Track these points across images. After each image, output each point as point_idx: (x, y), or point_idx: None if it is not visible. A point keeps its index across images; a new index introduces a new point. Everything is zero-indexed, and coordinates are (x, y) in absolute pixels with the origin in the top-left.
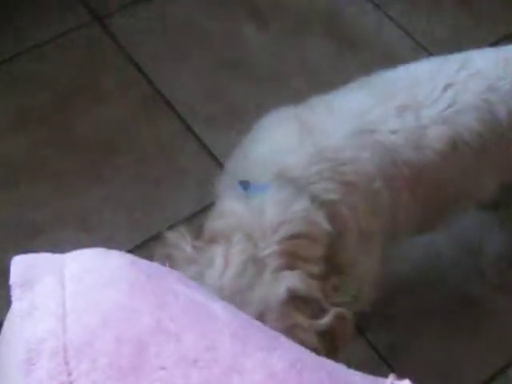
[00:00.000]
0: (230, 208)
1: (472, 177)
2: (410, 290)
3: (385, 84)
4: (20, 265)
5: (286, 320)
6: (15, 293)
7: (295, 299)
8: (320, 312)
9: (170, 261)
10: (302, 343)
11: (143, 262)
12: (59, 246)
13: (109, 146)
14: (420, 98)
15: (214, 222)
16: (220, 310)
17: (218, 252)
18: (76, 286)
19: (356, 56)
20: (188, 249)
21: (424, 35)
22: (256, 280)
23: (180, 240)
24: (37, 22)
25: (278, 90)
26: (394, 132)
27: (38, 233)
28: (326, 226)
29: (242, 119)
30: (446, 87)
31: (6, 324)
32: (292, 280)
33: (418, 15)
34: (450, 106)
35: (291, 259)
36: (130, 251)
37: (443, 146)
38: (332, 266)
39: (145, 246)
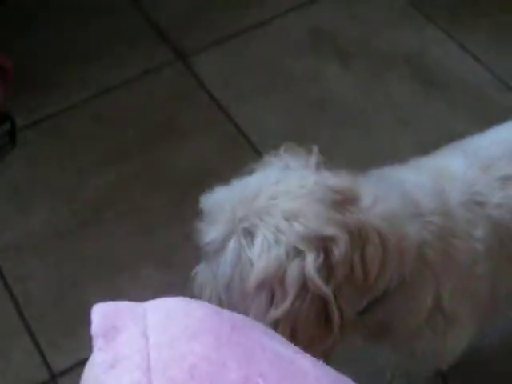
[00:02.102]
0: None
1: None
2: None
3: (480, 151)
4: (101, 314)
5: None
6: (97, 343)
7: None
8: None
9: (286, 169)
10: None
11: (226, 312)
12: (140, 284)
13: (191, 184)
14: None
15: None
16: (309, 365)
17: None
18: (160, 336)
19: (442, 97)
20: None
21: (511, 76)
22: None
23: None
24: (124, 60)
25: (363, 130)
26: (499, 206)
27: (119, 270)
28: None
29: (327, 160)
30: None
31: (86, 374)
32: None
33: (504, 56)
34: None
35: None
36: None
37: None
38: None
39: None
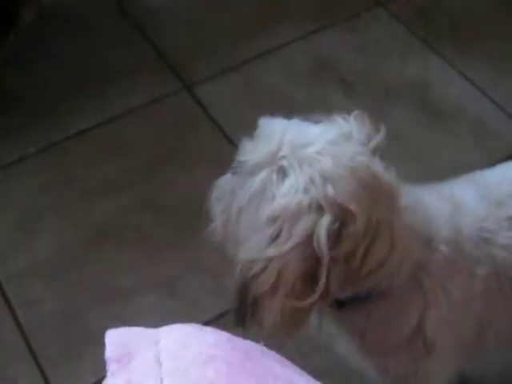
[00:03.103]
0: None
1: None
2: None
3: (492, 186)
4: (114, 339)
5: None
6: (111, 368)
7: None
8: None
9: (348, 137)
10: None
11: (238, 339)
12: (144, 312)
13: (196, 213)
14: None
15: None
16: None
17: None
18: (172, 363)
19: (444, 126)
20: None
21: None
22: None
23: None
24: (128, 89)
25: None
26: (504, 247)
27: (123, 298)
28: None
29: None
30: None
31: None
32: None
33: (506, 85)
34: None
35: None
36: (215, 318)
37: None
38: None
39: (231, 313)
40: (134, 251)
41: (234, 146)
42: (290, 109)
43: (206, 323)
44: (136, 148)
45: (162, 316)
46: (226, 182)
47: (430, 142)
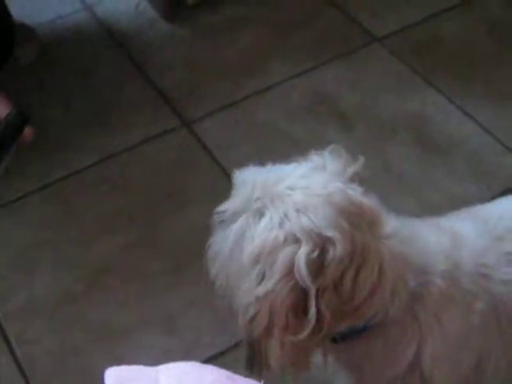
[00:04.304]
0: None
1: None
2: None
3: (492, 221)
4: (114, 377)
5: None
6: None
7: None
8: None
9: (321, 169)
10: None
11: (238, 377)
12: (144, 350)
13: (195, 250)
14: None
15: None
16: None
17: None
18: None
19: (442, 160)
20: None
21: (510, 139)
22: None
23: None
24: (127, 126)
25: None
26: (503, 282)
27: (123, 335)
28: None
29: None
30: None
31: None
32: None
33: (504, 119)
34: None
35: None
36: (215, 356)
37: None
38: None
39: (231, 351)
40: (133, 289)
41: (231, 180)
42: (288, 145)
43: (206, 361)
44: (134, 185)
45: (161, 354)
46: (215, 242)
47: (427, 176)
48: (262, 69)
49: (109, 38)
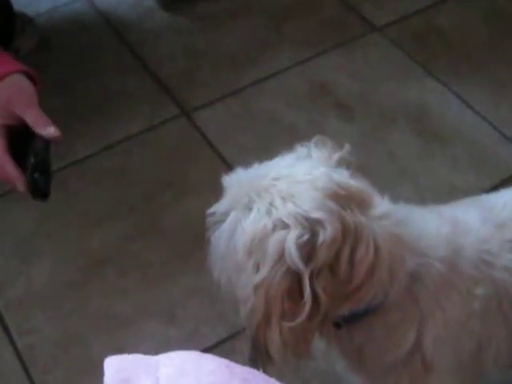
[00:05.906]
0: None
1: None
2: None
3: (496, 209)
4: (114, 366)
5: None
6: None
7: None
8: None
9: (306, 158)
10: None
11: (237, 366)
12: (144, 339)
13: (195, 239)
14: None
15: None
16: None
17: None
18: None
19: (441, 149)
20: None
21: (509, 127)
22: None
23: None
24: (127, 116)
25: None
26: (505, 269)
27: (123, 325)
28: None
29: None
30: None
31: None
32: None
33: (503, 107)
34: None
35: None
36: (214, 345)
37: None
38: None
39: (230, 340)
40: (133, 278)
41: (232, 169)
42: (288, 134)
43: (206, 350)
44: (135, 175)
45: (161, 343)
46: (212, 237)
47: (427, 165)
48: (261, 58)
49: (108, 28)
